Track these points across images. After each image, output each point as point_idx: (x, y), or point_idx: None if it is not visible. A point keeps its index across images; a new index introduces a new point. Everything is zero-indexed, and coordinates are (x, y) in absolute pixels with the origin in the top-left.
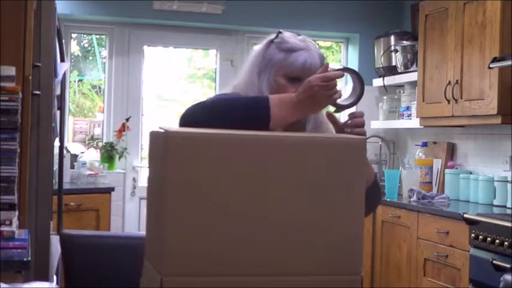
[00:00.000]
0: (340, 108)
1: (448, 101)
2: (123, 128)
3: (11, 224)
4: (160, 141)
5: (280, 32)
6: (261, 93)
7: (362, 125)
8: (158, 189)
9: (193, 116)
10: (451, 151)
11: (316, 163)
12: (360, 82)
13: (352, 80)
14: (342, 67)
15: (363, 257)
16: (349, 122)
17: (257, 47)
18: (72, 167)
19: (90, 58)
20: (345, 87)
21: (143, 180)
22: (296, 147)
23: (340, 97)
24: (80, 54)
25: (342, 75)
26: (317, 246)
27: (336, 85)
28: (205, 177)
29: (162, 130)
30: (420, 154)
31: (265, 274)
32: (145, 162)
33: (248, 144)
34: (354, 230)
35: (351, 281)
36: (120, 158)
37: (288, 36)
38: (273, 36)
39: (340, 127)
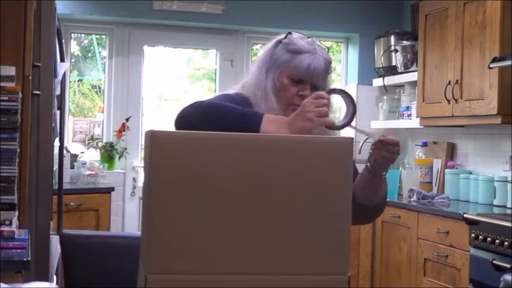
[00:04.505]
0: (331, 128)
1: (448, 101)
2: (123, 128)
3: (11, 224)
4: (148, 140)
5: (289, 33)
6: (266, 91)
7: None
8: (146, 188)
9: (187, 117)
10: (451, 151)
11: (302, 163)
12: (352, 103)
13: (344, 101)
14: (333, 88)
15: (350, 257)
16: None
17: (266, 46)
18: (72, 167)
19: (90, 58)
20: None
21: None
22: (282, 148)
23: (327, 115)
24: (80, 54)
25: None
26: (304, 246)
27: (326, 105)
28: (190, 177)
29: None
30: (420, 154)
31: (250, 273)
32: None
33: (233, 144)
34: (340, 230)
35: (338, 281)
36: (120, 158)
37: (297, 37)
38: (282, 36)
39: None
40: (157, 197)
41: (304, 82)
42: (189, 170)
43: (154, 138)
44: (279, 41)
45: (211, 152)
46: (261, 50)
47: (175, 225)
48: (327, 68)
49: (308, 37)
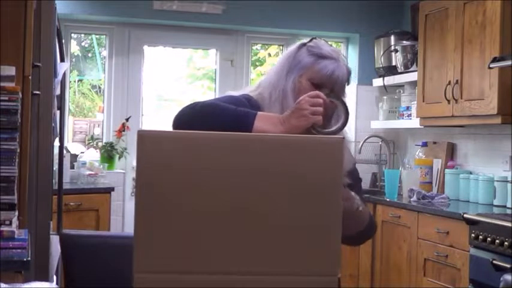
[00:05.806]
0: (319, 134)
1: (448, 101)
2: (123, 128)
3: (11, 224)
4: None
5: (314, 38)
6: (285, 92)
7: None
8: (135, 187)
9: (183, 118)
10: (451, 151)
11: (293, 163)
12: (346, 112)
13: (338, 108)
14: (331, 93)
15: (340, 258)
16: None
17: (289, 48)
18: (72, 167)
19: (90, 58)
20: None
21: None
22: (272, 147)
23: (322, 115)
24: (80, 54)
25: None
26: (293, 247)
27: (321, 104)
28: (178, 177)
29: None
30: (420, 154)
31: (239, 273)
32: None
33: (222, 144)
34: (331, 231)
35: (327, 282)
36: (120, 158)
37: (322, 43)
38: (306, 40)
39: None
40: (145, 197)
41: (323, 87)
42: (177, 169)
43: (141, 138)
44: (303, 44)
45: (199, 152)
46: (283, 51)
47: (163, 224)
48: (348, 78)
49: (330, 45)
